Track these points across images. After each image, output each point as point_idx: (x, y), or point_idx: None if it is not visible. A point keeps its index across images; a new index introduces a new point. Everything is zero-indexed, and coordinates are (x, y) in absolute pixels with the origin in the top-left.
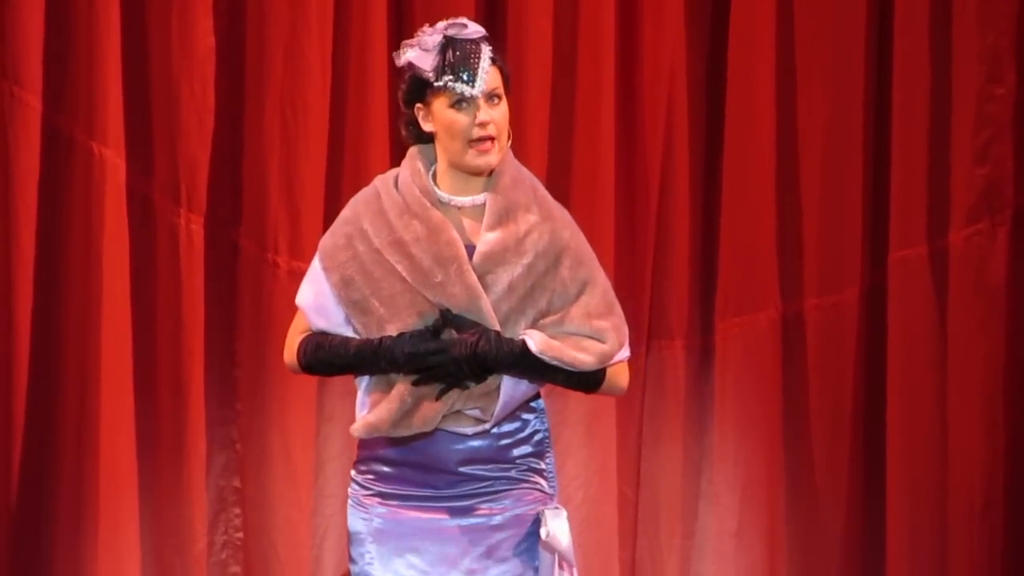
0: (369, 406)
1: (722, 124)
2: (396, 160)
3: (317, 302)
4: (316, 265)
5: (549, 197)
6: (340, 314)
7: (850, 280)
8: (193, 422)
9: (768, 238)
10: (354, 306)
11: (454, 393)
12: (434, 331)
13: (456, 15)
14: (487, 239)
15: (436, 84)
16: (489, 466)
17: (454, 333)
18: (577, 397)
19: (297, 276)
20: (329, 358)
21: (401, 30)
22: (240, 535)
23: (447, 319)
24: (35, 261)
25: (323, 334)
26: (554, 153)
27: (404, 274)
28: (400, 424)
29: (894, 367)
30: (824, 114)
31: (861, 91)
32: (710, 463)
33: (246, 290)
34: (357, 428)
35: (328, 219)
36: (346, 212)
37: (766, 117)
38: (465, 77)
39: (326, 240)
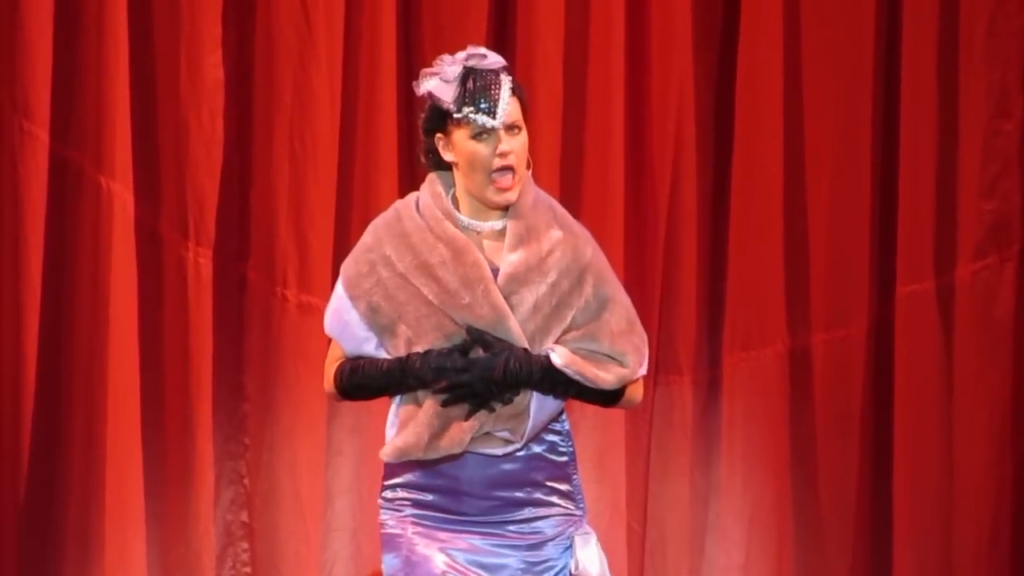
0: (398, 427)
1: (730, 157)
2: (404, 192)
3: (348, 331)
4: (342, 294)
5: (568, 216)
6: (373, 340)
7: (857, 315)
8: (201, 456)
9: (775, 273)
10: (383, 331)
11: (482, 414)
12: (462, 351)
13: (465, 45)
14: (510, 260)
15: (457, 115)
16: (519, 490)
17: (481, 352)
18: (587, 432)
19: (306, 310)
20: (362, 381)
21: (410, 62)
22: (248, 570)
23: (475, 338)
24: (42, 294)
25: (357, 359)
26: (564, 186)
27: (430, 297)
28: (429, 447)
29: (901, 402)
30: (831, 149)
31: (868, 126)
32: (717, 497)
33: (254, 324)
34: (386, 452)
35: (337, 252)
36: (367, 239)
37: (773, 150)
38: (486, 109)
39: (349, 268)
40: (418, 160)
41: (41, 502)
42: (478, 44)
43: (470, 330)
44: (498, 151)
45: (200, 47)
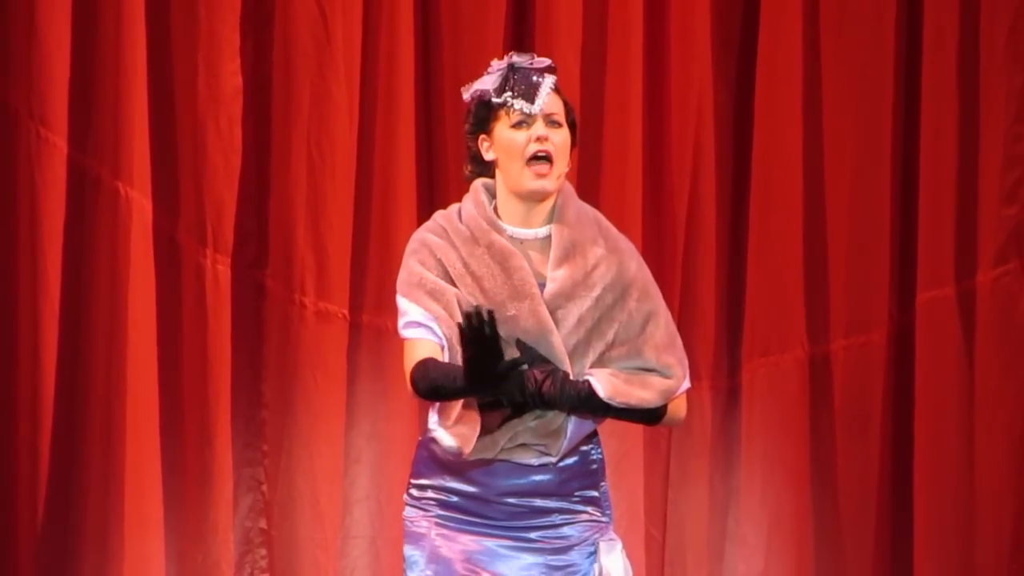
0: (447, 414)
1: (749, 163)
2: (423, 200)
3: (424, 323)
4: (402, 301)
5: (613, 228)
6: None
7: (878, 321)
8: (219, 463)
9: (795, 279)
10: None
11: (516, 423)
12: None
13: (483, 55)
14: (556, 276)
15: (496, 101)
16: (549, 499)
17: (525, 366)
18: (605, 439)
19: (324, 317)
20: (435, 386)
21: (428, 70)
22: None
23: (524, 353)
24: (61, 302)
25: (429, 361)
26: (581, 193)
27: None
28: (477, 445)
29: (921, 408)
30: (851, 154)
31: (888, 131)
32: (736, 503)
33: (272, 331)
34: (451, 439)
35: (355, 260)
36: (413, 245)
37: (793, 157)
38: (525, 95)
39: (400, 277)
40: (462, 171)
41: (60, 510)
42: (495, 54)
43: (519, 344)
44: (535, 136)
45: (218, 54)
